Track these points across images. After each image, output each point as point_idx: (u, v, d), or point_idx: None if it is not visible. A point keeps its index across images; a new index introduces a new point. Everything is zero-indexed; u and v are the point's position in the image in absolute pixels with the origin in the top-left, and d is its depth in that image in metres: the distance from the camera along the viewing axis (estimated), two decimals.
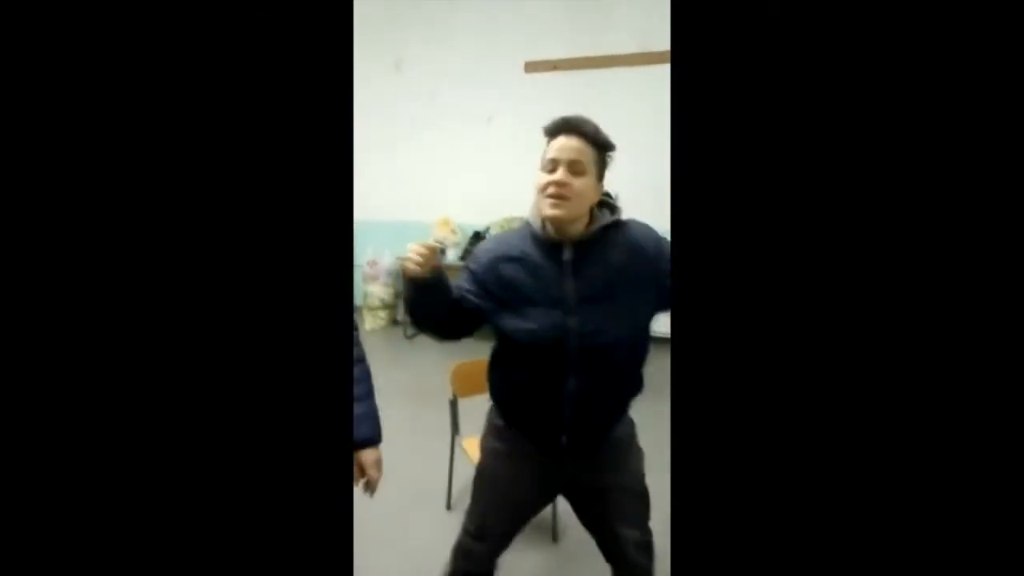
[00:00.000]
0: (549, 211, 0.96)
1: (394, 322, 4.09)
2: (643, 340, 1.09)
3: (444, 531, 1.73)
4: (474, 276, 1.09)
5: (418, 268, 0.95)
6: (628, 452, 1.16)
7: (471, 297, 1.07)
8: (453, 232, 3.80)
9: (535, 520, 1.75)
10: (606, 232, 1.03)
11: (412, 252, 0.95)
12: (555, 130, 0.99)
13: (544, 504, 1.21)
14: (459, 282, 1.09)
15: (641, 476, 1.17)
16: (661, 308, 1.05)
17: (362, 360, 1.08)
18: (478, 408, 1.50)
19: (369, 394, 1.07)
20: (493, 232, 3.66)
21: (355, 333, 1.05)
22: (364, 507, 1.86)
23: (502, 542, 1.18)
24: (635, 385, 1.12)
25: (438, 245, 0.98)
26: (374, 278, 4.04)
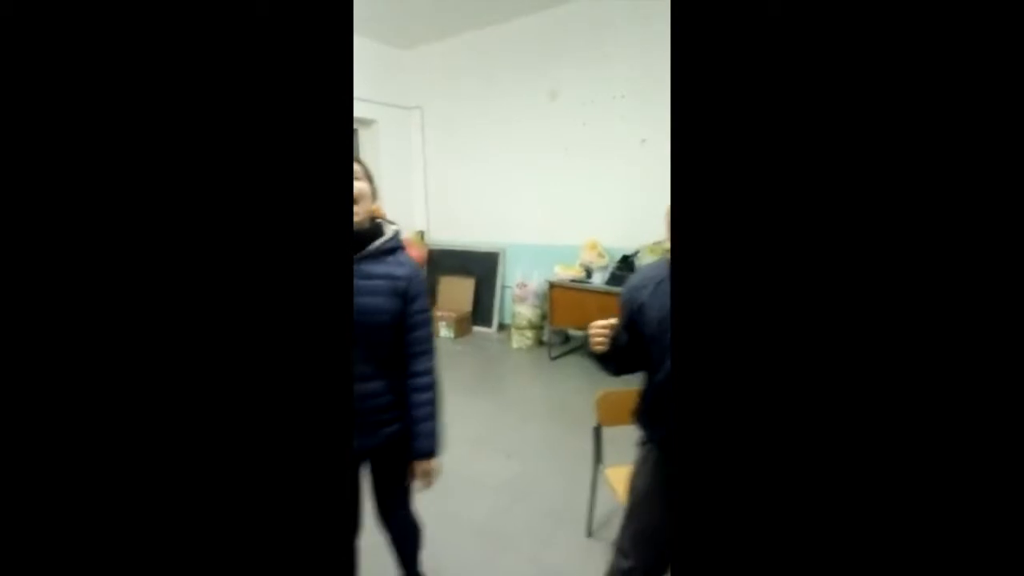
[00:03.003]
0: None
1: (540, 342, 4.18)
2: None
3: (583, 557, 1.70)
4: (622, 305, 1.20)
5: (602, 347, 1.12)
6: None
7: (624, 331, 1.17)
8: (601, 256, 3.79)
9: None
10: None
11: (595, 331, 1.12)
12: None
13: None
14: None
15: None
16: None
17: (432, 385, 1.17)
18: (623, 437, 1.45)
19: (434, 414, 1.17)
20: (641, 256, 3.57)
21: (431, 358, 1.15)
22: (501, 523, 1.92)
23: (650, 560, 1.15)
24: None
25: (615, 323, 1.14)
26: (522, 299, 4.18)
